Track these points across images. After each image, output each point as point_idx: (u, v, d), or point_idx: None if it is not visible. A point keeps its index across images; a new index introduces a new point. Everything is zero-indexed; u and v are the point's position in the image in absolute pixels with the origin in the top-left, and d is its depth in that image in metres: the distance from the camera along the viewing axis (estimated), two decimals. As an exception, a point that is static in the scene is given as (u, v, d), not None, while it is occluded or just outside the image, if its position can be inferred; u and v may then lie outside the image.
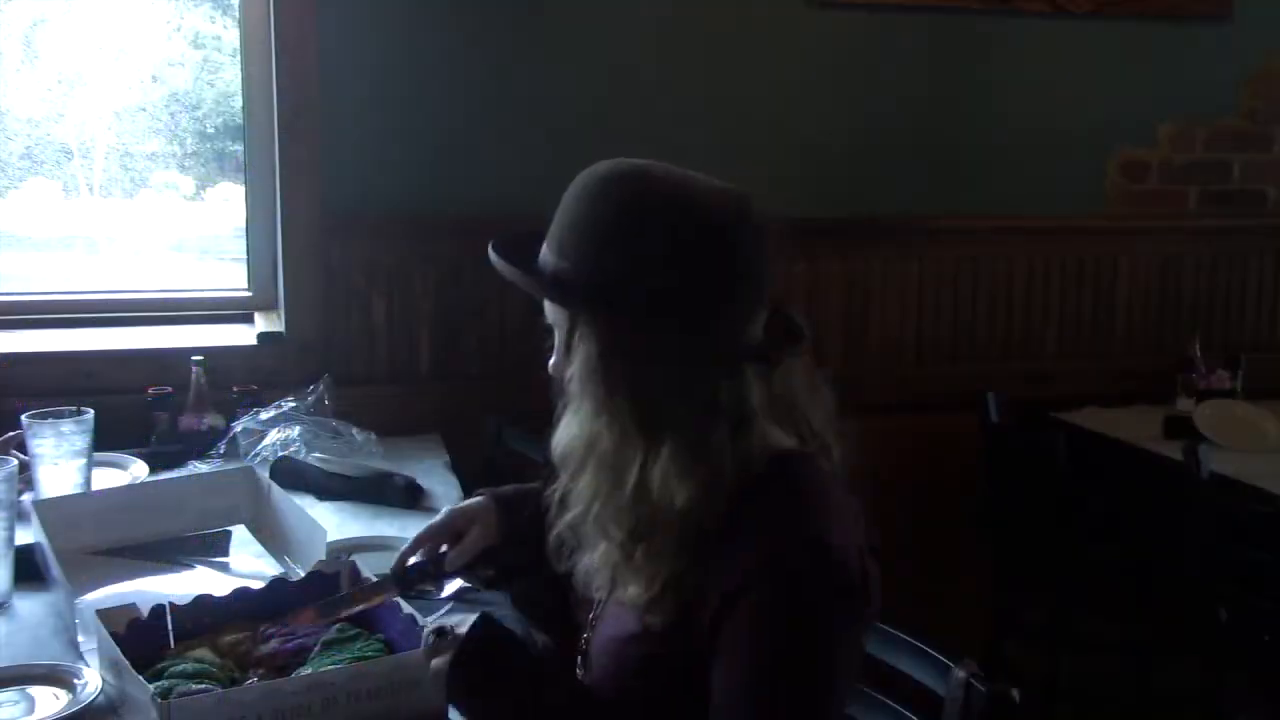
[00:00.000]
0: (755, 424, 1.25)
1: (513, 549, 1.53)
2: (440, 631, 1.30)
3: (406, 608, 1.49)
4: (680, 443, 1.22)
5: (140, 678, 1.32)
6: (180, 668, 1.39)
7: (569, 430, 1.28)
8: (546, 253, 1.28)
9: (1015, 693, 1.39)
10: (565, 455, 1.29)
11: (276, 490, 1.96)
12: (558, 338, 1.30)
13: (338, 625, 1.48)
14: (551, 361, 1.32)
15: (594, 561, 1.31)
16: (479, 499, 1.57)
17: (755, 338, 1.26)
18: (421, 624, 1.44)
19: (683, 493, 1.22)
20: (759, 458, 1.25)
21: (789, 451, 1.28)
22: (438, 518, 1.54)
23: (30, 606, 1.71)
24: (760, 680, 1.19)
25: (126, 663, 1.34)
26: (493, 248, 1.31)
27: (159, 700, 1.25)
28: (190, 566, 1.84)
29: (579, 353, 1.25)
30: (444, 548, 1.53)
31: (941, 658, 1.48)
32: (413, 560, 1.52)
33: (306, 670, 1.40)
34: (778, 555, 1.20)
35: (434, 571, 1.48)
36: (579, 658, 1.41)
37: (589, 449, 1.26)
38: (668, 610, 1.23)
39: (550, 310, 1.30)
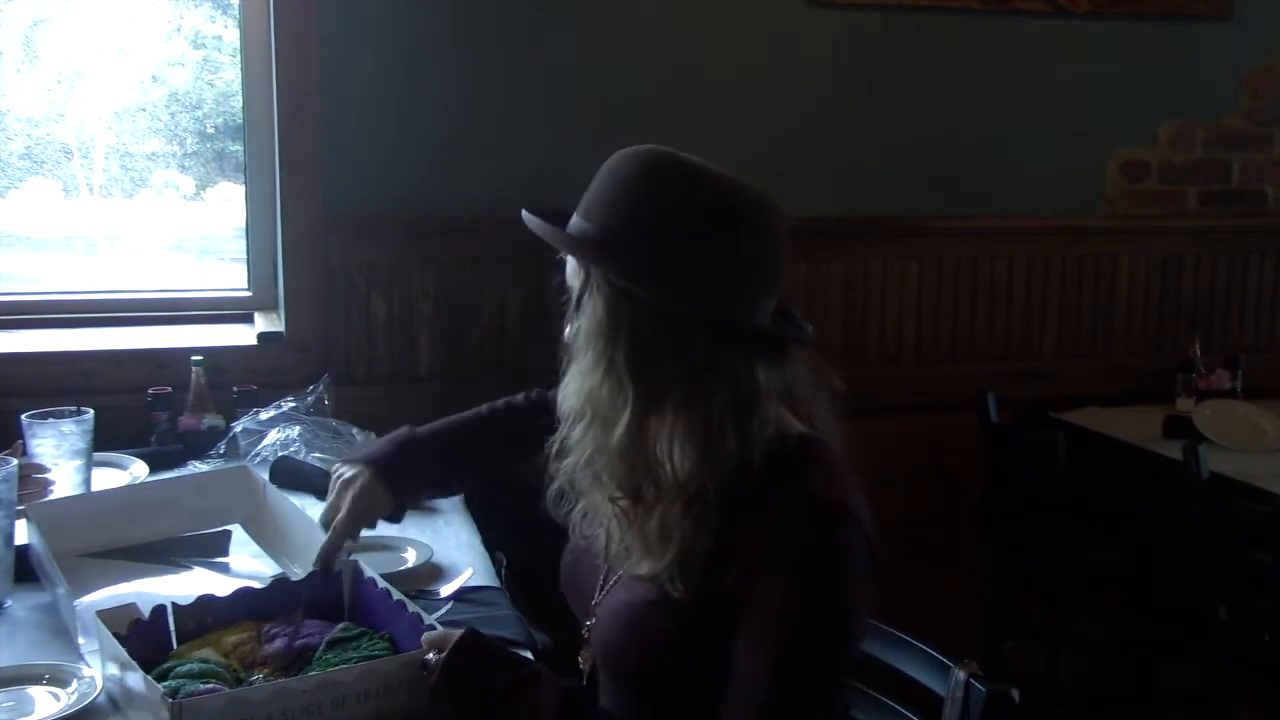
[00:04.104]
0: (765, 404, 1.29)
1: (406, 507, 1.71)
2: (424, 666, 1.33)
3: (412, 606, 1.49)
4: (680, 409, 1.29)
5: (148, 677, 1.31)
6: (186, 668, 1.38)
7: (571, 384, 1.35)
8: (576, 218, 1.35)
9: (1015, 693, 1.39)
10: (565, 407, 1.36)
11: (272, 489, 1.95)
12: (572, 298, 1.35)
13: (342, 625, 1.48)
14: (566, 322, 1.37)
15: (592, 509, 1.38)
16: (360, 474, 1.64)
17: (762, 321, 1.32)
18: (428, 623, 1.44)
19: (685, 461, 1.29)
20: (775, 436, 1.29)
21: (809, 433, 1.34)
22: (342, 508, 1.61)
23: (29, 607, 1.71)
24: (796, 638, 1.23)
25: (134, 663, 1.34)
26: (526, 210, 1.37)
27: (169, 700, 1.25)
28: (187, 568, 1.83)
29: (587, 308, 1.31)
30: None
31: (941, 658, 1.48)
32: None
33: (314, 670, 1.39)
34: (814, 523, 1.25)
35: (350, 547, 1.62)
36: (584, 628, 1.45)
37: (587, 401, 1.31)
38: (690, 582, 1.27)
39: (569, 270, 1.36)
